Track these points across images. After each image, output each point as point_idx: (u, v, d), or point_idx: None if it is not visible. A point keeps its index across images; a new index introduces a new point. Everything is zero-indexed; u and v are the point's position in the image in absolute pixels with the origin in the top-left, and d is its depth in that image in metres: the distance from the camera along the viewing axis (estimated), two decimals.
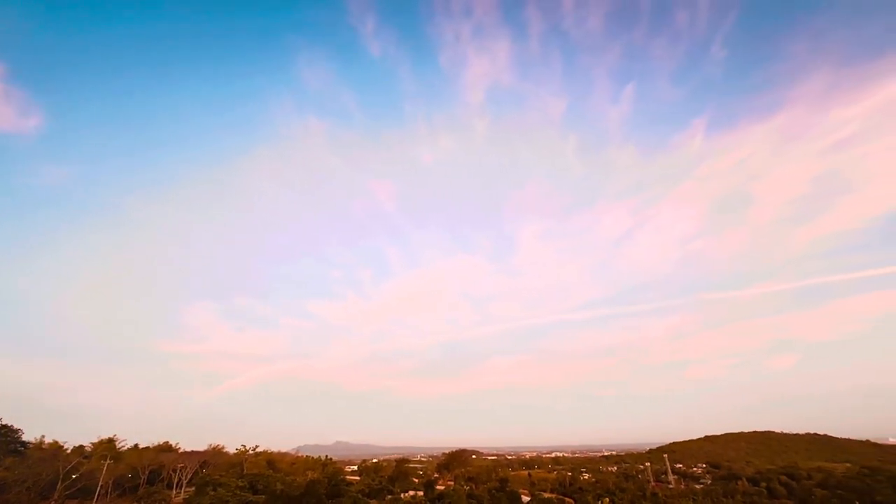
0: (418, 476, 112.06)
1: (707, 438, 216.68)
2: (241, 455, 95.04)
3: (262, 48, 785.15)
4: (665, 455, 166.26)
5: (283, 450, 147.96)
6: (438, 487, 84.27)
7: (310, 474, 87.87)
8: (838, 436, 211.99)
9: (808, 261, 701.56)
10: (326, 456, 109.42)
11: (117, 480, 73.96)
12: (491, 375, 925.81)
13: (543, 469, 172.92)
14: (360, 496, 70.15)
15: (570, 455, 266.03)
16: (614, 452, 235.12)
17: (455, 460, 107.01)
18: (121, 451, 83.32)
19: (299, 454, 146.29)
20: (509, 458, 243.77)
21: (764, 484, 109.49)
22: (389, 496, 77.97)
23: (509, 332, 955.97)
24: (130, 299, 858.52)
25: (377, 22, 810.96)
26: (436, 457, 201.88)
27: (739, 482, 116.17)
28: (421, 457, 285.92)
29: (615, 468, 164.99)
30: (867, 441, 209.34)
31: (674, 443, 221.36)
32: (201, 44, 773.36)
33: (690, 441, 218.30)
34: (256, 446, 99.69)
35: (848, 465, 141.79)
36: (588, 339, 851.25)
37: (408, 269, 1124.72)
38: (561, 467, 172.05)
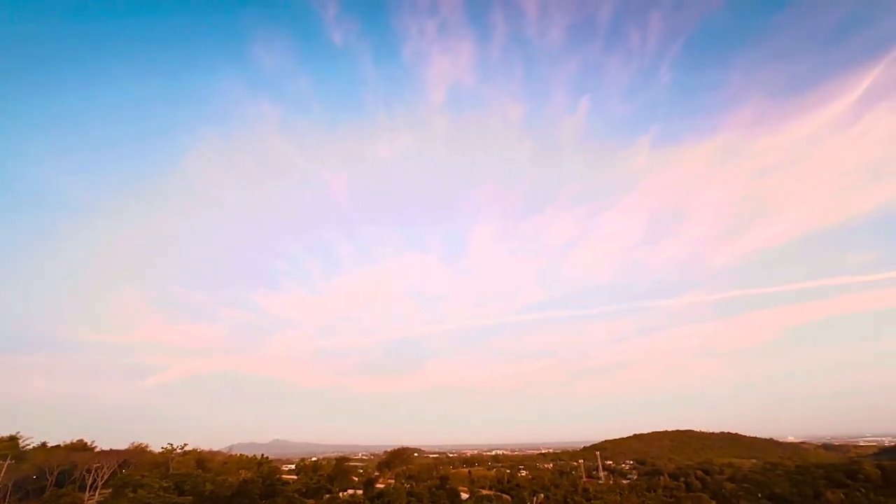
0: (359, 475, 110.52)
1: (636, 436, 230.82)
2: (167, 454, 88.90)
3: (213, 19, 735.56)
4: (597, 452, 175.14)
5: (215, 448, 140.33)
6: (378, 486, 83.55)
7: (243, 474, 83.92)
8: (747, 434, 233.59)
9: (729, 274, 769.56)
10: (262, 455, 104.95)
11: (19, 483, 66.62)
12: (438, 374, 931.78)
13: (483, 467, 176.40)
14: (296, 496, 68.08)
15: (510, 453, 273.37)
16: (551, 450, 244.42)
17: (396, 458, 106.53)
18: (25, 451, 75.24)
19: (232, 453, 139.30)
20: (451, 456, 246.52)
21: (682, 479, 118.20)
22: (327, 495, 76.22)
23: (458, 332, 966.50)
24: (43, 283, 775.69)
25: (340, 8, 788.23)
26: (378, 455, 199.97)
27: (661, 477, 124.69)
28: (362, 455, 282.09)
29: (551, 465, 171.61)
30: (770, 439, 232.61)
31: (606, 441, 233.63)
32: (147, 9, 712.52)
33: (621, 439, 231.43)
34: (185, 444, 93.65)
35: (754, 461, 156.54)
36: (533, 340, 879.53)
37: (359, 265, 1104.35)
38: (500, 465, 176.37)
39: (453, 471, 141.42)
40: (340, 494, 79.62)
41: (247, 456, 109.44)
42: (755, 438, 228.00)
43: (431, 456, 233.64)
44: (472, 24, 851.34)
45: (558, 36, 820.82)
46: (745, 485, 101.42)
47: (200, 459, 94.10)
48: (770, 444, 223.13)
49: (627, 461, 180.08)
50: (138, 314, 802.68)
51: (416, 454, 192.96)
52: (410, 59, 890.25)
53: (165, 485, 59.61)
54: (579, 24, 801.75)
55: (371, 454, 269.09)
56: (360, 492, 79.41)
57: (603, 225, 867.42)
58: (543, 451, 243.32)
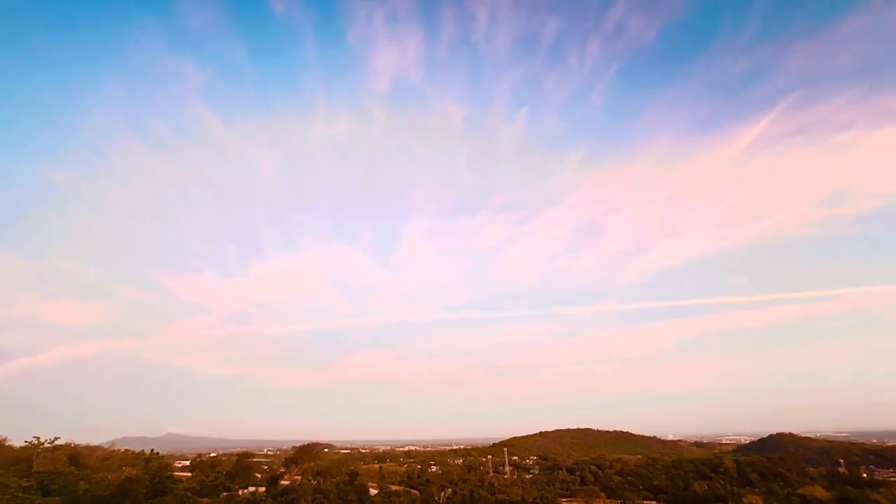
0: (263, 471, 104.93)
1: (541, 434, 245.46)
2: (31, 449, 77.28)
3: None
4: (505, 449, 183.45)
5: (94, 443, 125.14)
6: (283, 482, 79.99)
7: (127, 471, 75.52)
8: (635, 433, 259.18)
9: (635, 288, 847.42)
10: (152, 450, 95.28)
11: None
12: (358, 368, 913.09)
13: (395, 462, 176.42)
14: (189, 494, 62.81)
15: (422, 449, 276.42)
16: (462, 447, 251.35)
17: (305, 454, 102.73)
18: None
19: (115, 448, 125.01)
20: (363, 451, 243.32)
21: (578, 473, 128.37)
22: (225, 493, 71.34)
23: (382, 327, 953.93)
24: None
25: None
26: (285, 451, 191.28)
27: (560, 472, 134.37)
28: (268, 451, 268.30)
29: (461, 461, 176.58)
30: (654, 437, 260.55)
31: (514, 438, 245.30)
32: None
33: (527, 436, 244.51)
34: (56, 438, 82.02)
35: (639, 456, 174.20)
36: (454, 340, 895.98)
37: (282, 251, 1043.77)
38: (412, 460, 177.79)
39: (364, 466, 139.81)
40: (241, 492, 74.97)
41: (133, 451, 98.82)
42: (642, 436, 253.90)
43: (343, 451, 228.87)
44: (422, 20, 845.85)
45: (504, 45, 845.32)
46: (630, 478, 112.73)
47: (74, 455, 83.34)
48: (654, 441, 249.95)
49: (532, 457, 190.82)
50: (11, 286, 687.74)
51: (326, 450, 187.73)
52: (356, 43, 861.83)
53: (26, 484, 51.74)
54: (524, 38, 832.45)
55: (278, 450, 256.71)
56: (262, 489, 75.41)
57: (530, 232, 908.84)
58: (455, 448, 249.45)
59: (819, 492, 59.37)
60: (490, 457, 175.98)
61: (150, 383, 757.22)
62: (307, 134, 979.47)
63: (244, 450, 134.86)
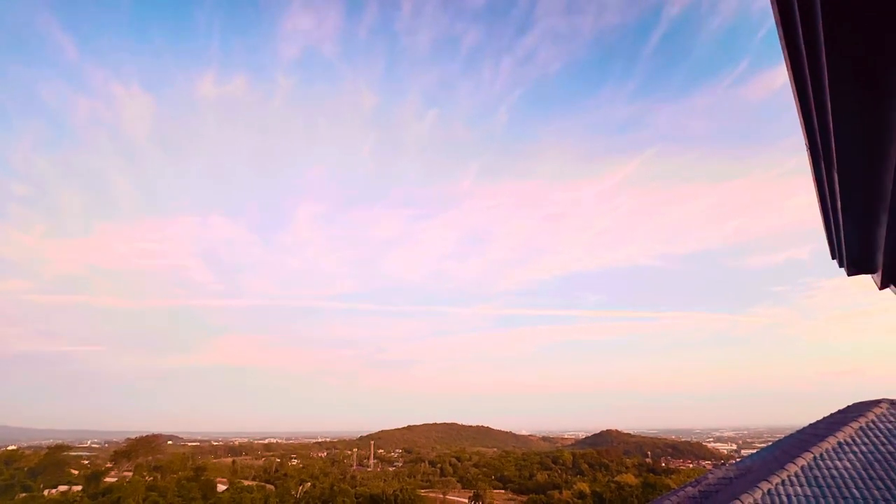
0: (83, 467, 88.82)
1: (409, 428, 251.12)
2: None
3: None
4: (372, 442, 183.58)
5: None
6: (109, 480, 68.69)
7: None
8: (495, 428, 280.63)
9: (511, 295, 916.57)
10: None
11: None
12: (225, 353, 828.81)
13: (252, 456, 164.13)
14: None
15: (285, 442, 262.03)
16: (328, 439, 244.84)
17: (141, 447, 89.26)
18: None
19: None
20: (215, 444, 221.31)
21: (439, 465, 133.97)
22: (24, 494, 58.64)
23: (256, 309, 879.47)
24: None
25: None
26: (117, 443, 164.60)
27: (423, 464, 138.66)
28: (93, 443, 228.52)
29: (325, 454, 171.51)
30: (510, 432, 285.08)
31: (382, 431, 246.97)
32: None
33: (396, 430, 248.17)
34: None
35: (495, 449, 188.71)
36: (335, 329, 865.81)
37: (143, 212, 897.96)
38: (271, 454, 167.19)
39: (215, 461, 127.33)
40: (47, 492, 62.37)
41: None
42: (501, 431, 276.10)
43: (191, 444, 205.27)
44: None
45: (425, 43, 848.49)
46: (485, 469, 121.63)
47: None
48: (510, 436, 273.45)
49: (398, 450, 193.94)
50: None
51: (170, 442, 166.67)
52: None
53: None
54: (446, 41, 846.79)
55: (107, 443, 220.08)
56: (78, 488, 63.74)
57: (424, 231, 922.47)
58: (320, 440, 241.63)
59: (630, 479, 71.19)
60: (356, 450, 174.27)
61: None
62: (193, 81, 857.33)
63: (59, 442, 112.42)
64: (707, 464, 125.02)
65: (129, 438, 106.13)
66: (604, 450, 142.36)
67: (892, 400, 12.92)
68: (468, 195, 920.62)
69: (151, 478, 71.02)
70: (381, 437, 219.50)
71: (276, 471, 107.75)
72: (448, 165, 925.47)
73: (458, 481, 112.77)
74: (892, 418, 12.01)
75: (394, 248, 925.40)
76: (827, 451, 11.08)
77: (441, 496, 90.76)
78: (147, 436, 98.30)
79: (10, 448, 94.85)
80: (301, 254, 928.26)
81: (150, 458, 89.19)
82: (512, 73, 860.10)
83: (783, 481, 10.41)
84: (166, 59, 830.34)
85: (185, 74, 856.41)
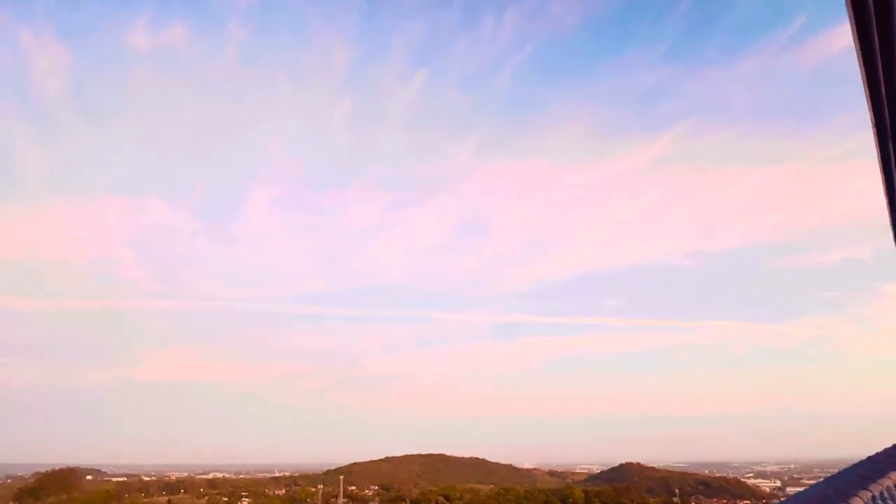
0: None
1: (387, 459, 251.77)
2: None
3: None
4: (341, 476, 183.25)
5: None
6: None
7: None
8: (492, 460, 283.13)
9: (514, 298, 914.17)
10: None
11: None
12: (160, 366, 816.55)
13: (193, 494, 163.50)
14: None
15: (234, 476, 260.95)
16: (289, 473, 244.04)
17: (53, 484, 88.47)
18: None
19: None
20: (147, 479, 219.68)
21: None
22: None
23: (202, 313, 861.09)
24: None
25: None
26: (23, 478, 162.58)
27: (403, 503, 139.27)
28: None
29: (284, 491, 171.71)
30: (510, 465, 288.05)
31: (354, 463, 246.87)
32: None
33: (371, 462, 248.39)
34: None
35: (492, 486, 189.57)
36: (299, 338, 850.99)
37: (57, 189, 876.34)
38: (216, 492, 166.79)
39: (147, 500, 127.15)
40: None
41: None
42: (498, 464, 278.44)
43: (116, 480, 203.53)
44: None
45: None
46: None
47: None
48: (510, 469, 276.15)
49: (373, 487, 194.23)
50: None
51: (89, 477, 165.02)
52: None
53: None
54: None
55: (9, 477, 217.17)
56: None
57: (409, 219, 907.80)
58: (277, 475, 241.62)
59: None
60: (321, 487, 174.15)
61: None
62: (120, 33, 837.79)
63: None
64: None
65: (38, 473, 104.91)
66: (623, 486, 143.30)
67: None
68: (463, 176, 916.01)
69: None
70: (353, 471, 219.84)
71: None
72: (439, 140, 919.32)
73: None
74: None
75: (372, 239, 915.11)
76: (888, 489, 11.17)
77: None
78: (61, 469, 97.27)
79: None
80: (258, 246, 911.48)
81: (65, 496, 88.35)
82: (518, 28, 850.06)
83: None
84: (92, 12, 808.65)
85: (111, 20, 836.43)
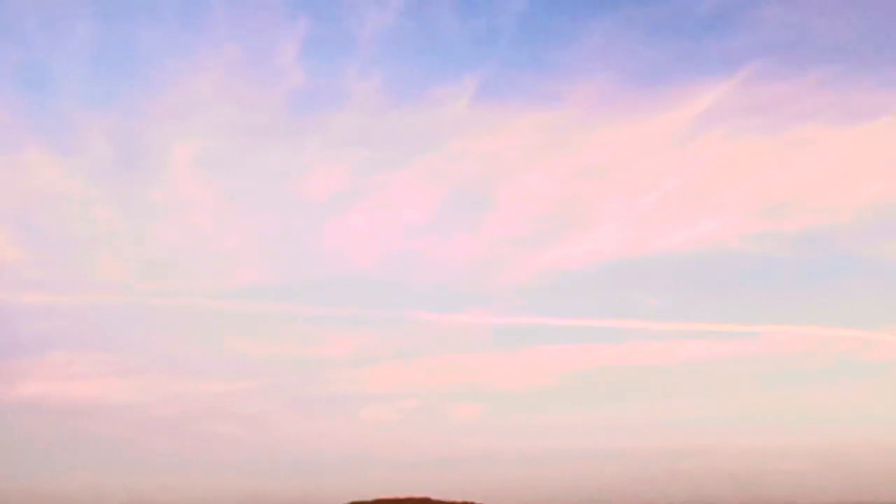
0: None
1: None
2: None
3: None
4: None
5: None
6: None
7: None
8: None
9: (521, 294, 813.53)
10: None
11: None
12: (42, 379, 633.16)
13: None
14: None
15: None
16: None
17: None
18: None
19: None
20: None
21: None
22: None
23: (101, 310, 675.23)
24: None
25: None
26: None
27: None
28: None
29: None
30: None
31: None
32: None
33: None
34: None
35: None
36: (233, 344, 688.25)
37: None
38: None
39: None
40: None
41: None
42: None
43: None
44: None
45: None
46: None
47: None
48: None
49: None
50: None
51: None
52: None
53: None
54: None
55: None
56: None
57: (386, 186, 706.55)
58: None
59: None
60: None
61: None
62: None
63: None
64: None
65: None
66: None
67: None
68: (457, 130, 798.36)
69: None
70: None
71: None
72: (426, 80, 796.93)
73: None
74: None
75: (334, 214, 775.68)
76: None
77: None
78: None
79: None
80: (180, 222, 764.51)
81: None
82: None
83: None
84: None
85: None
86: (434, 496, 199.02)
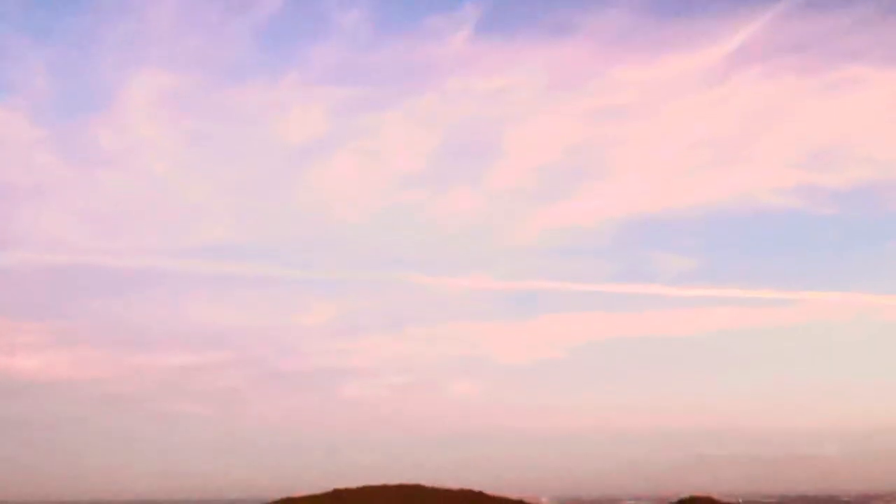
0: None
1: (335, 494, 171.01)
2: None
3: None
4: None
5: None
6: None
7: None
8: (494, 493, 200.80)
9: (525, 254, 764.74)
10: None
11: None
12: None
13: None
14: None
15: None
16: None
17: None
18: None
19: None
20: None
21: None
22: None
23: (44, 270, 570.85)
24: None
25: None
26: None
27: None
28: None
29: None
30: (519, 500, 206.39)
31: (287, 499, 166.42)
32: None
33: (313, 497, 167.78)
34: None
35: None
36: (197, 311, 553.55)
37: None
38: None
39: None
40: None
41: None
42: (504, 499, 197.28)
43: None
44: None
45: None
46: None
47: None
48: None
49: None
50: None
51: None
52: None
53: None
54: None
55: None
56: None
57: (374, 130, 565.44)
58: None
59: None
60: None
61: None
62: None
63: None
64: None
65: None
66: None
67: None
68: (456, 66, 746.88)
69: None
70: None
71: None
72: (420, 8, 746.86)
73: None
74: None
75: (313, 162, 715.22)
76: None
77: None
78: None
79: None
80: (136, 169, 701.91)
81: None
82: None
83: None
84: None
85: None
86: (427, 483, 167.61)
